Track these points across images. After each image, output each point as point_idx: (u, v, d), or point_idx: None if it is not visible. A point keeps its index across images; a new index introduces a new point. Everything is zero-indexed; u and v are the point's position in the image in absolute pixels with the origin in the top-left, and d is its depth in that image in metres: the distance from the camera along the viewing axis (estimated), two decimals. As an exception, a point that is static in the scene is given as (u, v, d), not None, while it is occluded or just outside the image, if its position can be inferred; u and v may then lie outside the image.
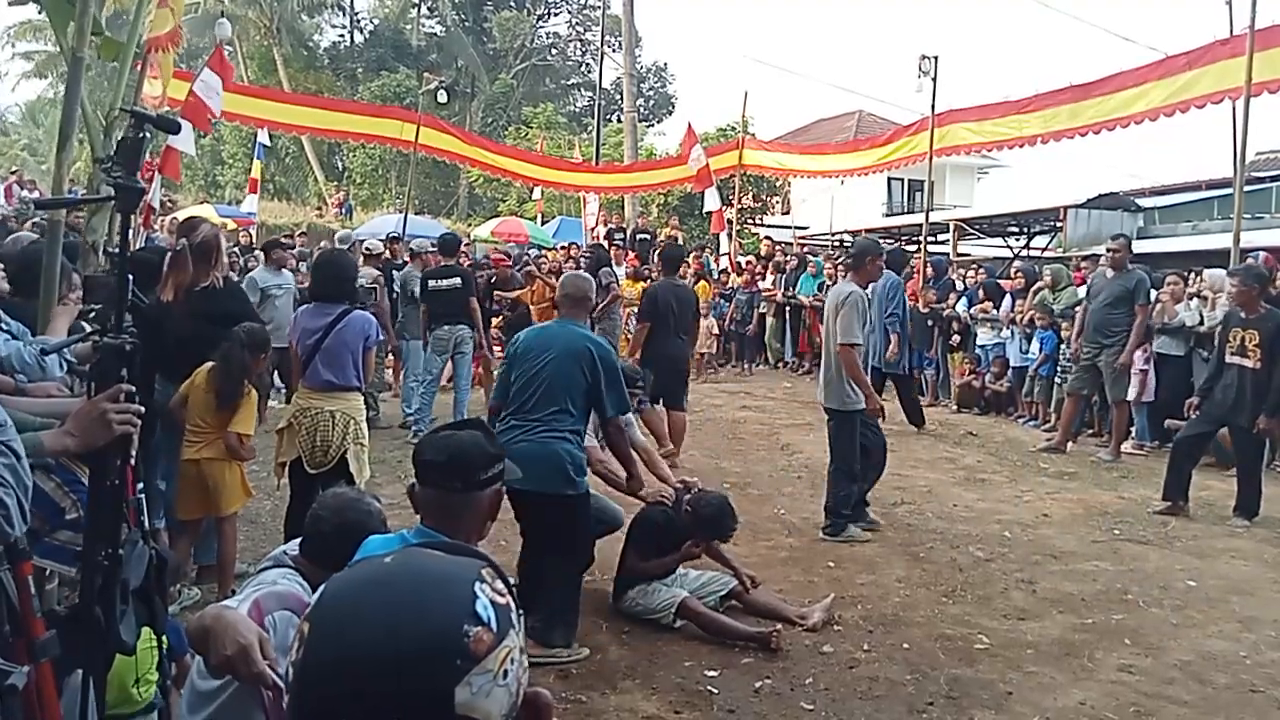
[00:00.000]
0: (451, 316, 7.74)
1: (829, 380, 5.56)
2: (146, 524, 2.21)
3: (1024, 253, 16.53)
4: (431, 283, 7.84)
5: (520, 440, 3.72)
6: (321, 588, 0.81)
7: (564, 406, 3.83)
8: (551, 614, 3.71)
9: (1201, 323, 8.07)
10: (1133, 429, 8.25)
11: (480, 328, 8.11)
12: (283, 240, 8.64)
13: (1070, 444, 8.09)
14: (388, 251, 10.87)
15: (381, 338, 5.05)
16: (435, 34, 35.90)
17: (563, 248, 15.14)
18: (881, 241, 17.80)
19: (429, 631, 0.73)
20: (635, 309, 11.29)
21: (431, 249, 8.95)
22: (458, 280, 7.86)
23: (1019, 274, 10.53)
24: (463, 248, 10.13)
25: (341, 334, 4.38)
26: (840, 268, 10.80)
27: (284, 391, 8.05)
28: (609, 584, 4.41)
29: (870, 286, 6.30)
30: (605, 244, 13.86)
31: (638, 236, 15.64)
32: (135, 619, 1.93)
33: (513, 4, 36.78)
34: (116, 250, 1.97)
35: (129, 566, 1.91)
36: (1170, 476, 6.21)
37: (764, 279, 13.84)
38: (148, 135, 1.95)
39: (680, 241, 15.10)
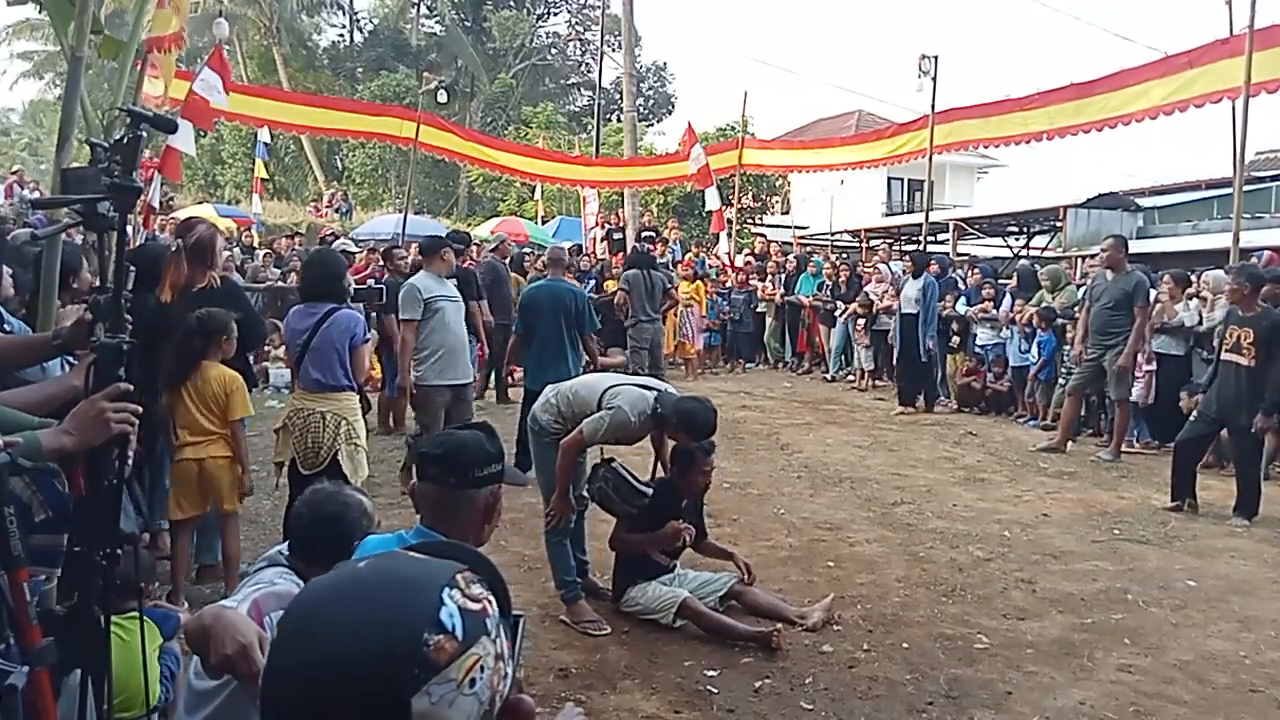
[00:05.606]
0: None
1: None
2: None
3: (1024, 252, 16.55)
4: None
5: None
6: (299, 592, 0.80)
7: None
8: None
9: (1200, 323, 8.06)
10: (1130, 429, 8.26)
11: (481, 330, 8.08)
12: (452, 239, 6.98)
13: (1070, 444, 8.09)
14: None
15: (371, 335, 4.99)
16: (435, 33, 35.84)
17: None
18: (878, 242, 17.82)
19: (385, 639, 0.71)
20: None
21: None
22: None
23: (1012, 275, 10.53)
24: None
25: (327, 333, 4.35)
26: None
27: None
28: (609, 584, 4.41)
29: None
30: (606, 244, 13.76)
31: (643, 234, 15.36)
32: (135, 506, 2.00)
33: (512, 3, 36.74)
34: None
35: None
36: (1176, 479, 6.26)
37: (763, 279, 13.82)
38: (144, 134, 1.94)
39: (673, 240, 15.05)
